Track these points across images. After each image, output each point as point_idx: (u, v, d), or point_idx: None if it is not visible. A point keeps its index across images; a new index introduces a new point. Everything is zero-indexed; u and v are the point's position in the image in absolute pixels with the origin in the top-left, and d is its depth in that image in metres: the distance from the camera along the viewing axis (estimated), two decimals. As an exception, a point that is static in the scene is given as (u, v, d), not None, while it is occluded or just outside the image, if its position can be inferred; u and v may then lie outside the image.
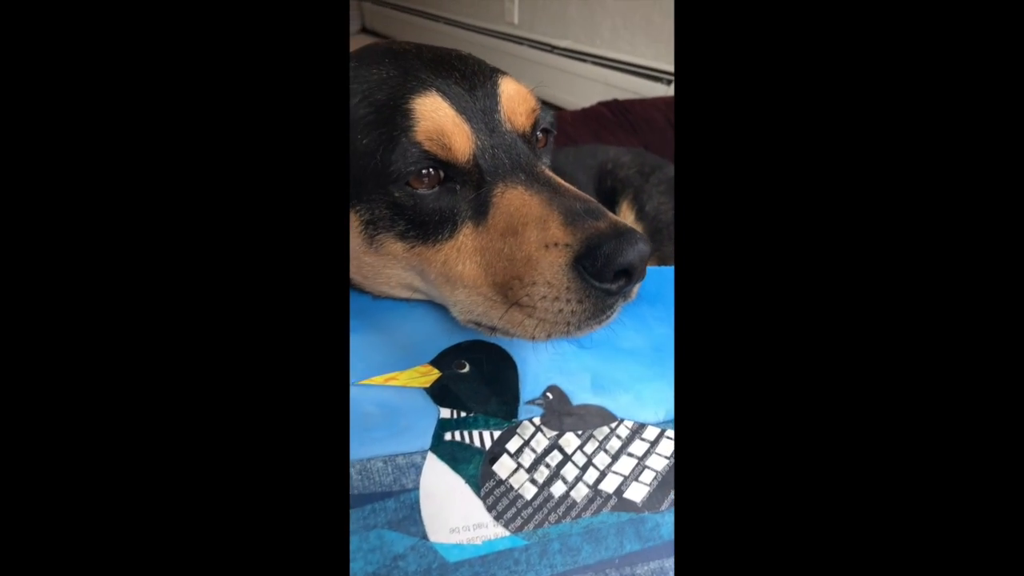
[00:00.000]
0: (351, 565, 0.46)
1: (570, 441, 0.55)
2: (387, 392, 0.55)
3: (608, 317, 0.52)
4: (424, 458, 0.51)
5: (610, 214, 0.51)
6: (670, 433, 0.57)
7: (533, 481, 0.52)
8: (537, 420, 0.56)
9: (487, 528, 0.49)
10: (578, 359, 0.61)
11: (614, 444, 0.56)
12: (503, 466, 0.52)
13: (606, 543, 0.50)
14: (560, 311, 0.49)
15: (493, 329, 0.54)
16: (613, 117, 1.73)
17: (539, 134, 0.61)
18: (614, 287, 0.49)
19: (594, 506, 0.52)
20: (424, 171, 0.53)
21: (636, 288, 0.54)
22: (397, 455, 0.51)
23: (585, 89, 2.56)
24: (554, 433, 0.55)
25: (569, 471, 0.53)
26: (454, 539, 0.48)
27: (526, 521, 0.50)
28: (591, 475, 0.53)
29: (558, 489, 0.52)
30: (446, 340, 0.59)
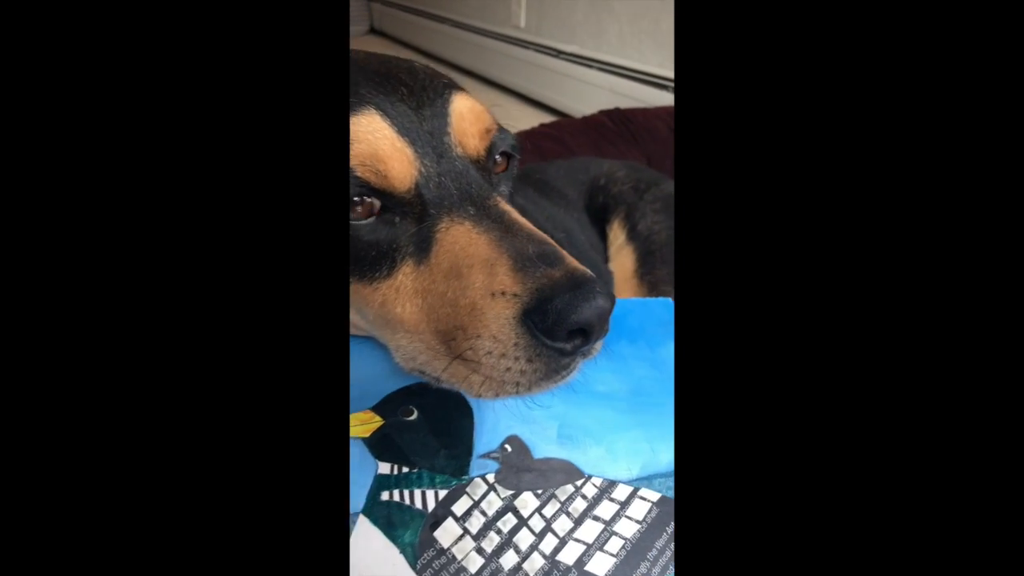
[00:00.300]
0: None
1: (527, 502, 0.49)
2: (320, 442, 0.49)
3: (564, 377, 0.45)
4: (354, 522, 0.45)
5: (569, 260, 0.44)
6: (644, 493, 0.51)
7: (480, 551, 0.45)
8: (491, 477, 0.49)
9: (421, 609, 0.43)
10: (544, 404, 0.54)
11: (578, 505, 0.49)
12: (446, 532, 0.46)
13: (560, 629, 0.44)
14: (508, 369, 0.42)
15: (439, 380, 0.48)
16: (614, 127, 1.66)
17: (498, 158, 0.55)
18: (568, 347, 0.42)
19: (549, 582, 0.45)
20: (356, 199, 0.46)
21: (598, 345, 0.47)
22: (324, 518, 0.45)
23: (591, 96, 2.50)
24: (509, 492, 0.49)
25: (523, 538, 0.47)
26: (382, 621, 0.42)
27: (468, 600, 0.43)
28: (549, 543, 0.47)
29: (508, 560, 0.45)
30: (393, 383, 0.53)
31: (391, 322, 0.48)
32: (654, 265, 0.91)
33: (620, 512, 0.49)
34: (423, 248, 0.46)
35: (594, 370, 0.58)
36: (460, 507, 0.47)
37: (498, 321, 0.42)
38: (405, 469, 0.48)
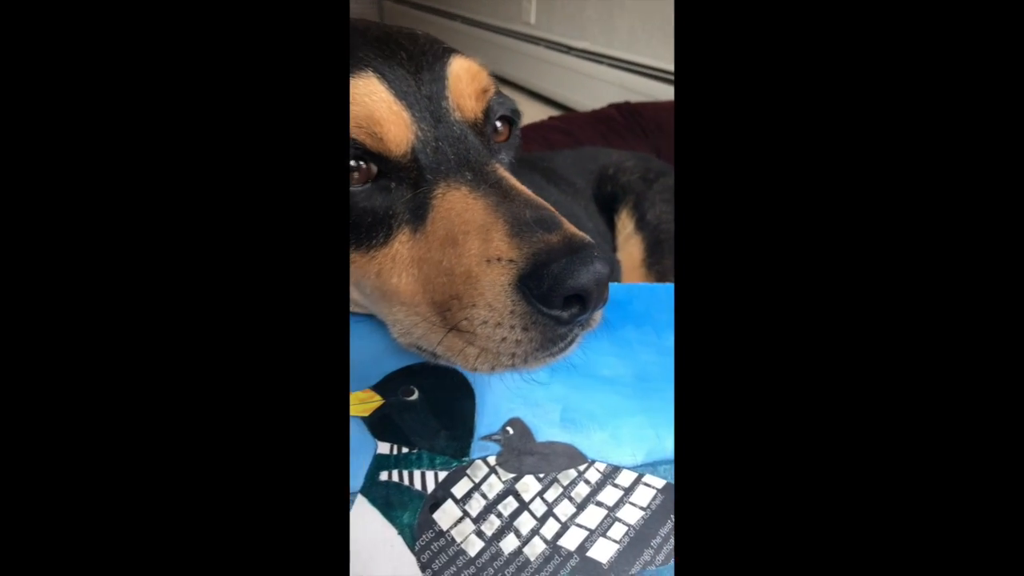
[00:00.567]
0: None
1: (529, 486, 0.47)
2: (318, 421, 0.48)
3: (562, 350, 0.44)
4: (353, 502, 0.44)
5: (568, 225, 0.43)
6: (649, 479, 0.50)
7: (480, 534, 0.44)
8: (492, 459, 0.48)
9: (418, 590, 0.42)
10: (547, 388, 0.53)
11: (581, 490, 0.48)
12: (445, 514, 0.45)
13: (560, 614, 0.42)
14: (503, 339, 0.41)
15: (435, 355, 0.47)
16: (623, 120, 1.64)
17: (498, 125, 0.53)
18: (565, 315, 0.41)
19: (551, 566, 0.44)
20: (351, 163, 0.45)
21: (598, 315, 0.46)
22: (321, 497, 0.44)
23: (601, 91, 2.48)
24: (511, 476, 0.48)
25: (524, 522, 0.46)
26: (378, 602, 0.41)
27: (467, 583, 0.42)
28: (550, 528, 0.46)
29: (509, 544, 0.44)
30: (394, 362, 0.52)
31: (387, 294, 0.47)
32: (662, 254, 0.89)
33: (624, 498, 0.48)
34: (419, 215, 0.45)
35: (598, 354, 0.57)
36: (460, 489, 0.46)
37: (493, 288, 0.41)
38: (405, 450, 0.47)
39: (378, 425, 0.48)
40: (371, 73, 0.45)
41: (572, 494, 0.48)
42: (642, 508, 0.48)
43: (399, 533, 0.43)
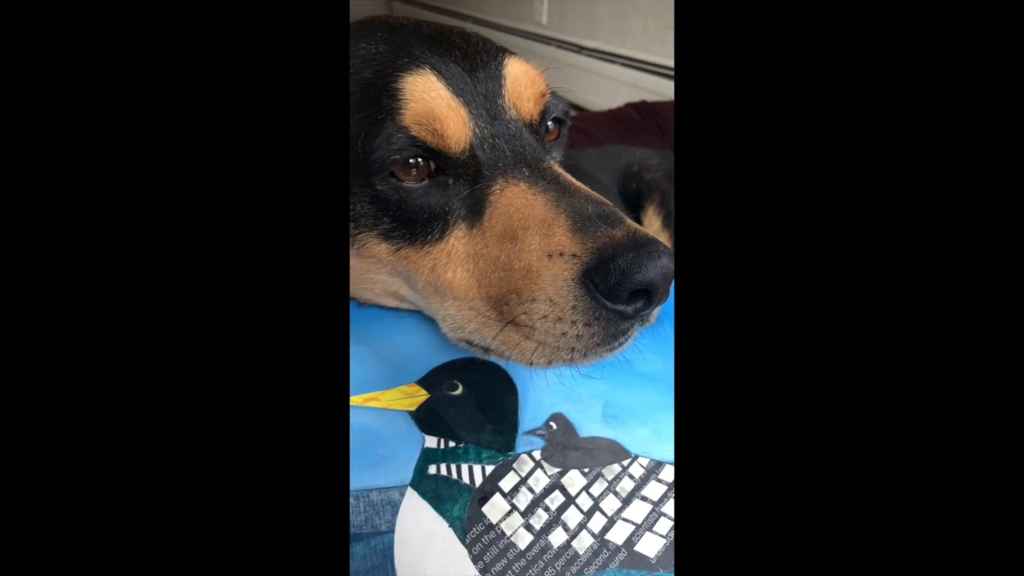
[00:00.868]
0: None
1: (575, 480, 0.48)
2: (365, 414, 0.48)
3: (621, 344, 0.44)
4: (403, 494, 0.44)
5: (629, 221, 0.43)
6: (692, 474, 0.49)
7: (528, 527, 0.44)
8: (537, 454, 0.48)
9: (471, 583, 0.42)
10: (588, 384, 0.53)
11: (626, 485, 0.48)
12: (494, 507, 0.45)
13: (611, 607, 0.42)
14: (563, 334, 0.41)
15: (487, 350, 0.47)
16: (641, 119, 1.64)
17: (550, 125, 0.54)
18: (629, 309, 0.41)
19: (599, 560, 0.44)
20: (412, 160, 0.45)
21: (656, 311, 0.46)
22: (371, 490, 0.44)
23: (614, 91, 2.48)
24: (556, 470, 0.48)
25: (571, 516, 0.46)
26: (431, 595, 0.41)
27: (518, 576, 0.42)
28: (597, 522, 0.46)
29: (558, 538, 0.44)
30: (438, 357, 0.52)
31: (440, 288, 0.47)
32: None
33: (668, 493, 0.48)
34: (476, 211, 0.46)
35: (638, 352, 0.56)
36: (507, 483, 0.46)
37: (555, 283, 0.41)
38: (451, 443, 0.47)
39: (425, 419, 0.48)
40: (429, 71, 0.46)
41: (617, 489, 0.48)
42: (687, 503, 0.48)
43: (450, 526, 0.43)
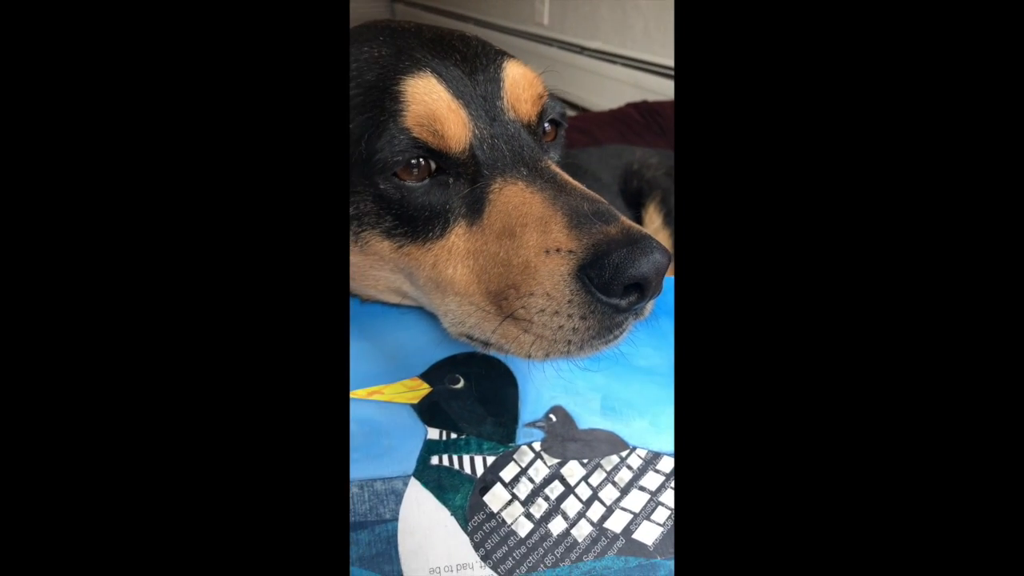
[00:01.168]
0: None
1: (574, 471, 0.49)
2: (369, 407, 0.49)
3: (616, 337, 0.45)
4: (406, 484, 0.46)
5: (623, 218, 0.44)
6: (689, 465, 0.51)
7: (529, 516, 0.46)
8: (537, 445, 0.49)
9: (472, 570, 0.43)
10: (587, 377, 0.54)
11: (624, 476, 0.49)
12: (495, 497, 0.46)
13: (609, 593, 0.44)
14: (560, 327, 0.42)
15: (487, 344, 0.48)
16: (642, 119, 1.65)
17: (547, 126, 0.55)
18: (624, 303, 0.42)
19: (598, 548, 0.45)
20: (413, 161, 0.47)
21: (650, 305, 0.47)
22: (375, 479, 0.45)
23: (616, 92, 2.49)
24: (556, 461, 0.49)
25: (571, 505, 0.47)
26: (434, 581, 0.42)
27: (518, 562, 0.44)
28: (596, 511, 0.47)
29: (557, 526, 0.46)
30: (439, 352, 0.53)
31: (442, 284, 0.48)
32: (690, 250, 0.90)
33: (666, 483, 0.49)
34: (476, 209, 0.47)
35: (636, 345, 0.58)
36: (508, 473, 0.47)
37: (552, 278, 0.42)
38: (453, 435, 0.48)
39: (427, 412, 0.49)
40: (429, 73, 0.47)
41: (615, 479, 0.49)
42: (684, 493, 0.49)
43: (452, 514, 0.45)
